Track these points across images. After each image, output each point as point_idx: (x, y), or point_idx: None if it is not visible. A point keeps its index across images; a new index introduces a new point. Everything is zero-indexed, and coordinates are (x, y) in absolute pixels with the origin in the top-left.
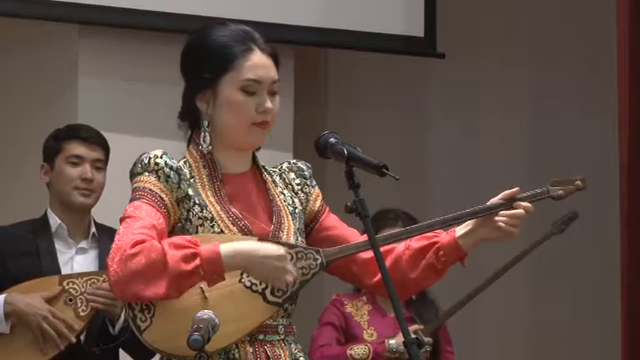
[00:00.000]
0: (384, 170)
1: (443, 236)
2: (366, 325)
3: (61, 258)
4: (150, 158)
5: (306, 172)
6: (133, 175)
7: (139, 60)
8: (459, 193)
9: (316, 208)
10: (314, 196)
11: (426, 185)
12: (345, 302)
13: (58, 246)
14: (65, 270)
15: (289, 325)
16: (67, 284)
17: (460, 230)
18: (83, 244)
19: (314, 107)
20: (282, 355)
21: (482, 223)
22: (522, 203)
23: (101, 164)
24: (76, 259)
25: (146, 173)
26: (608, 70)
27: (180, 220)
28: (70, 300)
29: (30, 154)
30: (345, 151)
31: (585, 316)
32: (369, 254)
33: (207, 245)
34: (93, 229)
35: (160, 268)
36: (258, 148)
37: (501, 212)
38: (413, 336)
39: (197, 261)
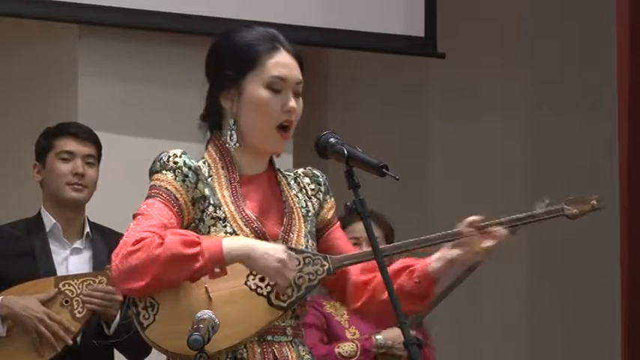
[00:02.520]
0: (384, 170)
1: (422, 261)
2: (347, 324)
3: (56, 258)
4: (169, 157)
5: (320, 180)
6: (152, 172)
7: (139, 60)
8: (459, 193)
9: (329, 218)
10: (329, 205)
11: (426, 185)
12: (324, 303)
13: (53, 246)
14: (60, 270)
15: (297, 326)
16: (63, 286)
17: (434, 255)
18: (77, 244)
19: (314, 107)
20: (290, 356)
21: (454, 245)
22: (500, 229)
23: (93, 160)
24: (70, 260)
25: (164, 171)
26: (608, 70)
27: (194, 220)
28: (66, 301)
29: (30, 154)
30: (345, 151)
31: (585, 316)
32: (365, 277)
33: (209, 238)
34: (87, 229)
35: (157, 260)
36: (278, 155)
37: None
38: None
39: (198, 248)
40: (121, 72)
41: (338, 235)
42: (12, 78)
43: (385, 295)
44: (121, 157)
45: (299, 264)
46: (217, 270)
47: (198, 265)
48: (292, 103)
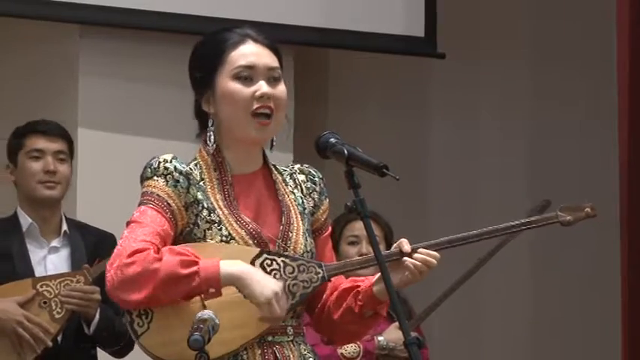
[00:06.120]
0: (384, 170)
1: (367, 281)
2: None
3: (34, 258)
4: (159, 162)
5: (316, 179)
6: (143, 179)
7: (139, 60)
8: (459, 194)
9: (322, 220)
10: (324, 207)
11: (426, 185)
12: None
13: (30, 246)
14: (38, 270)
15: (298, 325)
16: (41, 287)
17: (376, 275)
18: (55, 242)
19: (314, 107)
20: (291, 356)
21: (391, 269)
22: (432, 252)
23: (64, 156)
24: (49, 259)
25: (155, 177)
26: (608, 70)
27: (188, 224)
28: (45, 302)
29: None
30: (345, 151)
31: (586, 315)
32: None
33: (207, 259)
34: (64, 227)
35: (153, 275)
36: (272, 147)
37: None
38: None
39: (195, 267)
40: (122, 72)
41: (326, 245)
42: (12, 78)
43: (336, 316)
44: (121, 156)
45: (293, 271)
46: (212, 290)
47: (192, 285)
48: (265, 88)
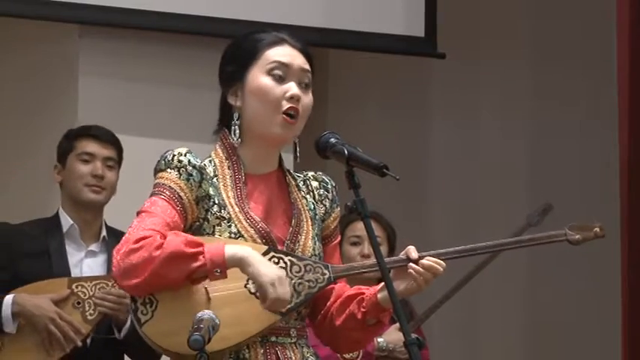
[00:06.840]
0: (384, 170)
1: (371, 289)
2: None
3: (71, 259)
4: (174, 155)
5: (328, 186)
6: (156, 170)
7: (139, 60)
8: (459, 194)
9: (332, 228)
10: (334, 215)
11: (426, 185)
12: None
13: (69, 247)
14: (74, 272)
15: (302, 328)
16: (76, 287)
17: (382, 284)
18: (93, 246)
19: (314, 107)
20: (294, 358)
21: (395, 276)
22: (439, 260)
23: (113, 163)
24: (85, 262)
25: (168, 170)
26: (608, 70)
27: (198, 219)
28: (79, 303)
29: (29, 155)
30: (346, 151)
31: (586, 316)
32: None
33: (212, 241)
34: (104, 233)
35: (158, 258)
36: (296, 157)
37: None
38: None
39: (200, 248)
40: (122, 72)
41: (334, 253)
42: (12, 78)
43: (338, 322)
44: None
45: (300, 270)
46: (217, 272)
47: (197, 264)
48: (295, 89)
